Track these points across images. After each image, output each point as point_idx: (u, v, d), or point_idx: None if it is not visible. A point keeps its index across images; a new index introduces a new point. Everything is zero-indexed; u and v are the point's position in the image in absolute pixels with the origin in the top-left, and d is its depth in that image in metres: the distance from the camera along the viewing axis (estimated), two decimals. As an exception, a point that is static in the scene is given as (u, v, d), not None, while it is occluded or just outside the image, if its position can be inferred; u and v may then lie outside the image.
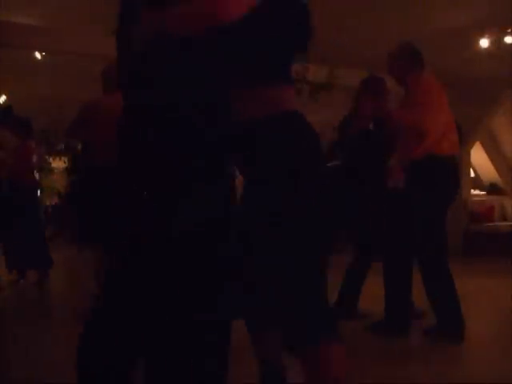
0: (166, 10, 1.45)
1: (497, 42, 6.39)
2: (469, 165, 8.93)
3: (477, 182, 9.95)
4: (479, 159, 9.63)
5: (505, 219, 9.07)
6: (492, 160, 9.82)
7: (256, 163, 1.64)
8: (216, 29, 1.43)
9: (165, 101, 1.47)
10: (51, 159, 12.20)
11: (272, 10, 1.57)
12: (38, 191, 6.14)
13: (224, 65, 1.56)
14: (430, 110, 3.27)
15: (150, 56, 1.48)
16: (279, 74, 1.68)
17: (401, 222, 3.42)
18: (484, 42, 6.43)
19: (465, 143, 8.31)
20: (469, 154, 8.75)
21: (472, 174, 9.48)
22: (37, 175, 6.29)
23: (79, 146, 7.40)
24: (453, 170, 3.43)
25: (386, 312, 3.42)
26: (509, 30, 6.26)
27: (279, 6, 1.60)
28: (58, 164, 12.44)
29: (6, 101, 8.64)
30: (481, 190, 9.91)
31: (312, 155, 1.66)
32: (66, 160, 11.87)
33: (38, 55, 6.73)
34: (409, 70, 3.46)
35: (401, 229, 3.42)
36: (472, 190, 9.19)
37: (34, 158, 5.77)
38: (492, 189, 9.74)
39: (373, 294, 3.70)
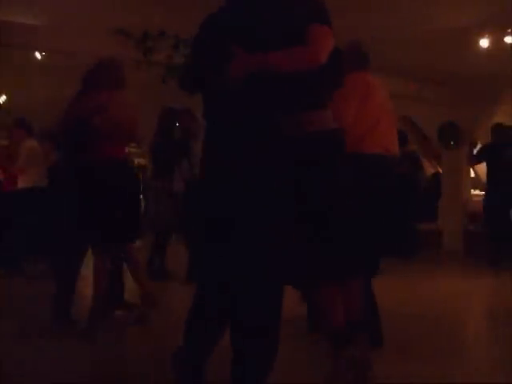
0: (268, 53, 2.01)
1: (497, 42, 6.39)
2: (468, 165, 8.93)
3: (477, 182, 9.95)
4: (479, 159, 9.62)
5: (505, 219, 9.05)
6: (492, 160, 9.81)
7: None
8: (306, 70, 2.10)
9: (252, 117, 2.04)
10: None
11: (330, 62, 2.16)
12: None
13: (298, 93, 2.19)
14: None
15: (251, 86, 2.02)
16: (326, 102, 2.34)
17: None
18: (484, 42, 6.43)
19: (464, 143, 8.32)
20: (469, 154, 8.75)
21: (472, 174, 9.48)
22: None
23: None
24: (379, 170, 3.03)
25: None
26: (509, 30, 6.26)
27: (334, 58, 2.21)
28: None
29: (5, 101, 8.65)
30: (481, 190, 9.90)
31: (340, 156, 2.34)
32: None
33: (37, 55, 6.73)
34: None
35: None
36: (472, 190, 9.18)
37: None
38: (492, 189, 9.72)
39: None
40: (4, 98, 8.72)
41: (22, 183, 6.00)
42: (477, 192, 9.55)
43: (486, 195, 7.06)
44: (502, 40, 6.35)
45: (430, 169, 10.97)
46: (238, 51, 2.01)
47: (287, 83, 2.08)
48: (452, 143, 8.62)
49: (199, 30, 2.23)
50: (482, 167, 9.80)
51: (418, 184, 7.79)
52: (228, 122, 2.08)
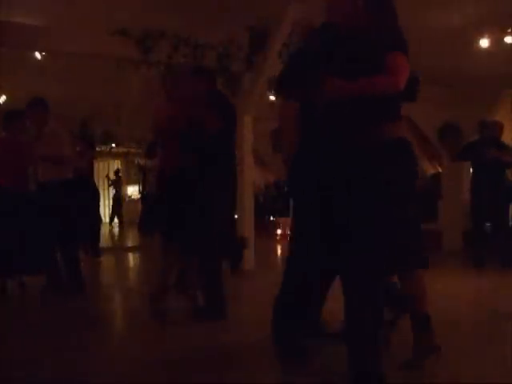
0: (357, 80, 2.35)
1: (497, 42, 6.39)
2: (469, 165, 8.93)
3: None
4: (479, 159, 9.62)
5: (505, 219, 9.04)
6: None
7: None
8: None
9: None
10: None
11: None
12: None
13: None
14: None
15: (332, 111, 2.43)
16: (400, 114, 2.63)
17: None
18: (484, 42, 6.43)
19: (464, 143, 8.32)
20: (469, 154, 8.74)
21: (472, 174, 9.48)
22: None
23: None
24: None
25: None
26: (509, 30, 6.26)
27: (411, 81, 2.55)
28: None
29: (5, 101, 8.65)
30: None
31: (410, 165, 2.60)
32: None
33: (37, 55, 6.73)
34: None
35: None
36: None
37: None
38: (492, 189, 9.70)
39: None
40: (4, 97, 8.72)
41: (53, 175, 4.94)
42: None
43: (472, 195, 6.93)
44: (502, 40, 6.34)
45: (430, 169, 10.98)
46: (331, 76, 2.36)
47: (373, 100, 2.42)
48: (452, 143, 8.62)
49: (300, 51, 2.71)
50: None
51: None
52: (320, 132, 2.52)
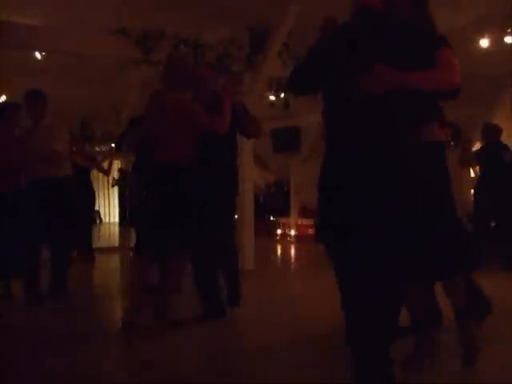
0: (410, 72, 2.19)
1: (497, 42, 6.39)
2: (469, 165, 8.92)
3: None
4: (479, 159, 9.60)
5: (505, 219, 9.03)
6: (492, 160, 9.78)
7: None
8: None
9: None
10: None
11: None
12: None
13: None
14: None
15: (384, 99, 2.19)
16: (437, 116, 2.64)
17: None
18: (484, 42, 6.43)
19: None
20: (469, 154, 8.73)
21: (472, 174, 9.48)
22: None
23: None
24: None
25: None
26: (509, 30, 6.26)
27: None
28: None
29: (5, 101, 8.64)
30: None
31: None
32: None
33: (38, 55, 6.73)
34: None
35: None
36: (472, 190, 9.17)
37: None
38: (492, 189, 9.69)
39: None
40: (4, 97, 8.71)
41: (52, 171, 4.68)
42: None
43: (476, 195, 6.94)
44: (502, 40, 6.34)
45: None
46: (380, 68, 2.16)
47: (416, 98, 2.29)
48: (452, 143, 8.61)
49: (326, 39, 2.41)
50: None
51: None
52: (354, 129, 2.24)
